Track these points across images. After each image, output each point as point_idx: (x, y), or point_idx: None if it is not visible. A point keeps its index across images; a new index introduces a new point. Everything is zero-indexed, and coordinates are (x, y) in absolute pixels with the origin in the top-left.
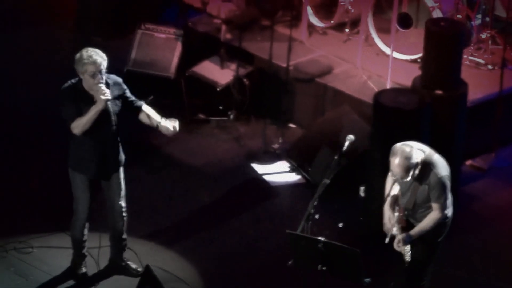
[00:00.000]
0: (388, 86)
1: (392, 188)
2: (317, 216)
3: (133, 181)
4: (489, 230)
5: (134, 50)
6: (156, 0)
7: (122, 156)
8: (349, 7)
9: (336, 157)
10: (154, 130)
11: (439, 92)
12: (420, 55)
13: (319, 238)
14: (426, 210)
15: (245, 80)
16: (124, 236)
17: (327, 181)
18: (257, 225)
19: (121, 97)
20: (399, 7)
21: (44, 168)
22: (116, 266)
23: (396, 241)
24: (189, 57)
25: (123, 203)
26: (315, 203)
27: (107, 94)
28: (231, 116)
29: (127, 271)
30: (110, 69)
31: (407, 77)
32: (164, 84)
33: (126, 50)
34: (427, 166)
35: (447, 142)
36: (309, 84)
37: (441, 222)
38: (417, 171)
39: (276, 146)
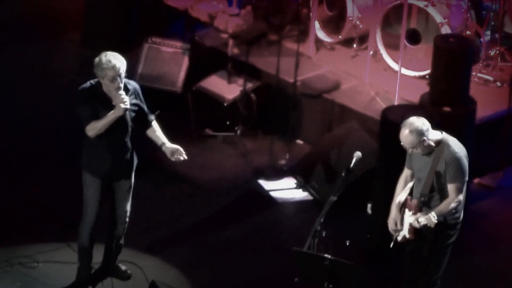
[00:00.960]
0: (396, 103)
1: (404, 190)
2: (324, 233)
3: (139, 196)
4: (497, 249)
5: (141, 64)
6: (163, 14)
7: (134, 160)
8: (357, 22)
9: (343, 174)
10: None
11: (447, 109)
12: (429, 71)
13: (326, 255)
14: (442, 196)
15: (252, 95)
16: (122, 241)
17: (334, 198)
18: (264, 242)
19: (137, 105)
20: (407, 22)
21: (51, 181)
22: (108, 268)
23: (417, 218)
24: (196, 72)
25: (128, 207)
26: (322, 220)
27: (127, 103)
28: (238, 132)
29: (118, 274)
30: None
31: (415, 94)
32: (171, 98)
33: (133, 64)
34: (444, 144)
35: None
36: (317, 100)
37: (452, 222)
38: (429, 143)
39: (283, 162)
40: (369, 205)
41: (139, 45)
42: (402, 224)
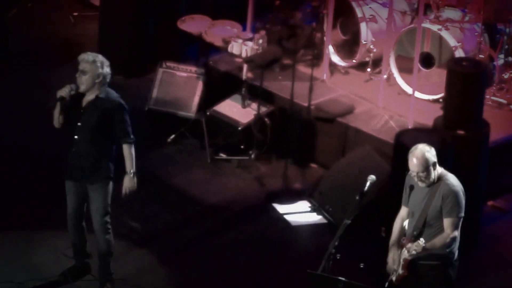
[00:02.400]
0: (409, 126)
1: (401, 227)
2: (338, 256)
3: (154, 218)
4: (509, 271)
5: (155, 88)
6: (177, 39)
7: (103, 170)
8: (371, 46)
9: (357, 197)
10: (176, 168)
11: (460, 132)
12: (442, 95)
13: (340, 278)
14: (436, 232)
15: (266, 119)
16: (104, 246)
17: (348, 221)
18: (278, 264)
19: (101, 120)
20: (421, 46)
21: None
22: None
23: (407, 248)
24: (211, 96)
25: (99, 218)
26: (336, 243)
27: (60, 92)
28: (252, 156)
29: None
30: (132, 108)
31: (429, 117)
32: (185, 123)
33: (147, 89)
34: (442, 177)
35: (469, 182)
36: (331, 123)
37: (448, 261)
38: (433, 175)
39: (297, 185)
40: (383, 228)
41: (154, 70)
42: (399, 263)
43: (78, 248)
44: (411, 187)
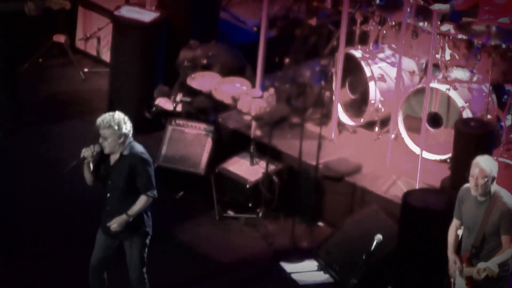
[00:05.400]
0: (417, 186)
1: (456, 236)
2: None
3: (160, 274)
4: None
5: (164, 145)
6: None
7: (137, 223)
8: (379, 106)
9: (364, 257)
10: (183, 224)
11: None
12: (450, 155)
13: None
14: (494, 247)
15: (274, 177)
16: None
17: (355, 280)
18: None
19: (127, 173)
20: (429, 106)
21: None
22: None
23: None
24: (219, 153)
25: (134, 274)
26: None
27: (84, 152)
28: (260, 214)
29: None
30: None
31: (436, 177)
32: (194, 180)
33: (155, 146)
34: (497, 194)
35: None
36: (338, 182)
37: (503, 274)
38: (490, 187)
39: (304, 244)
40: None
41: (163, 127)
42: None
43: None
44: (462, 201)
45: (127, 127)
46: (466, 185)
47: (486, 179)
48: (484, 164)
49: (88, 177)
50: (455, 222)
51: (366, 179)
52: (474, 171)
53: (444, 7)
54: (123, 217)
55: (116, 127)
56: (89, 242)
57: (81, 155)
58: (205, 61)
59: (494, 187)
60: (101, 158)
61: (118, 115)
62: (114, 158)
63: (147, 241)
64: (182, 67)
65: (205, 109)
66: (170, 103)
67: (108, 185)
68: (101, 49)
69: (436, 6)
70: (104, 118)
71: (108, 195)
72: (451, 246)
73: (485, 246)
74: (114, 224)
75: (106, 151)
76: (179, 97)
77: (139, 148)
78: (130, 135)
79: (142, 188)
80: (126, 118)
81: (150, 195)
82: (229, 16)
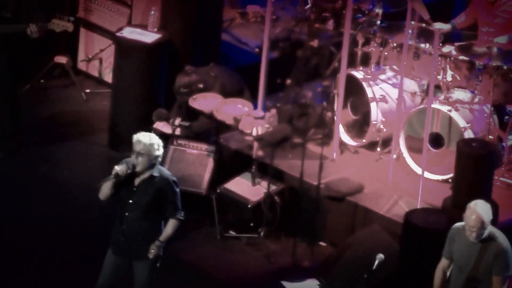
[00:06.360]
0: (418, 206)
1: (444, 277)
2: None
3: None
4: None
5: (166, 165)
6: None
7: (151, 248)
8: (381, 126)
9: (365, 276)
10: (185, 244)
11: None
12: (451, 175)
13: None
14: (485, 287)
15: (276, 197)
16: None
17: None
18: None
19: (154, 196)
20: (431, 126)
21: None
22: None
23: None
24: (221, 174)
25: None
26: None
27: (116, 169)
28: (262, 233)
29: None
30: None
31: (438, 197)
32: (195, 200)
33: None
34: (492, 235)
35: None
36: (340, 202)
37: None
38: (486, 232)
39: (306, 264)
40: None
41: (165, 147)
42: None
43: None
44: (454, 239)
45: (161, 150)
46: (458, 224)
47: (481, 229)
48: (478, 218)
49: (107, 192)
50: (443, 263)
51: (368, 199)
52: (470, 219)
53: (445, 26)
54: (157, 244)
55: (155, 146)
56: (92, 263)
57: (114, 172)
58: (201, 86)
59: (489, 228)
60: (125, 176)
61: (156, 136)
62: (140, 178)
63: (158, 264)
64: (178, 93)
65: (204, 133)
66: (168, 126)
67: (129, 205)
68: (103, 71)
69: (437, 26)
70: (144, 135)
71: (127, 214)
72: (437, 287)
73: (478, 286)
74: (154, 251)
75: (139, 169)
76: (177, 121)
77: (167, 171)
78: (160, 160)
79: (171, 211)
80: (162, 144)
81: (180, 218)
82: (230, 38)
